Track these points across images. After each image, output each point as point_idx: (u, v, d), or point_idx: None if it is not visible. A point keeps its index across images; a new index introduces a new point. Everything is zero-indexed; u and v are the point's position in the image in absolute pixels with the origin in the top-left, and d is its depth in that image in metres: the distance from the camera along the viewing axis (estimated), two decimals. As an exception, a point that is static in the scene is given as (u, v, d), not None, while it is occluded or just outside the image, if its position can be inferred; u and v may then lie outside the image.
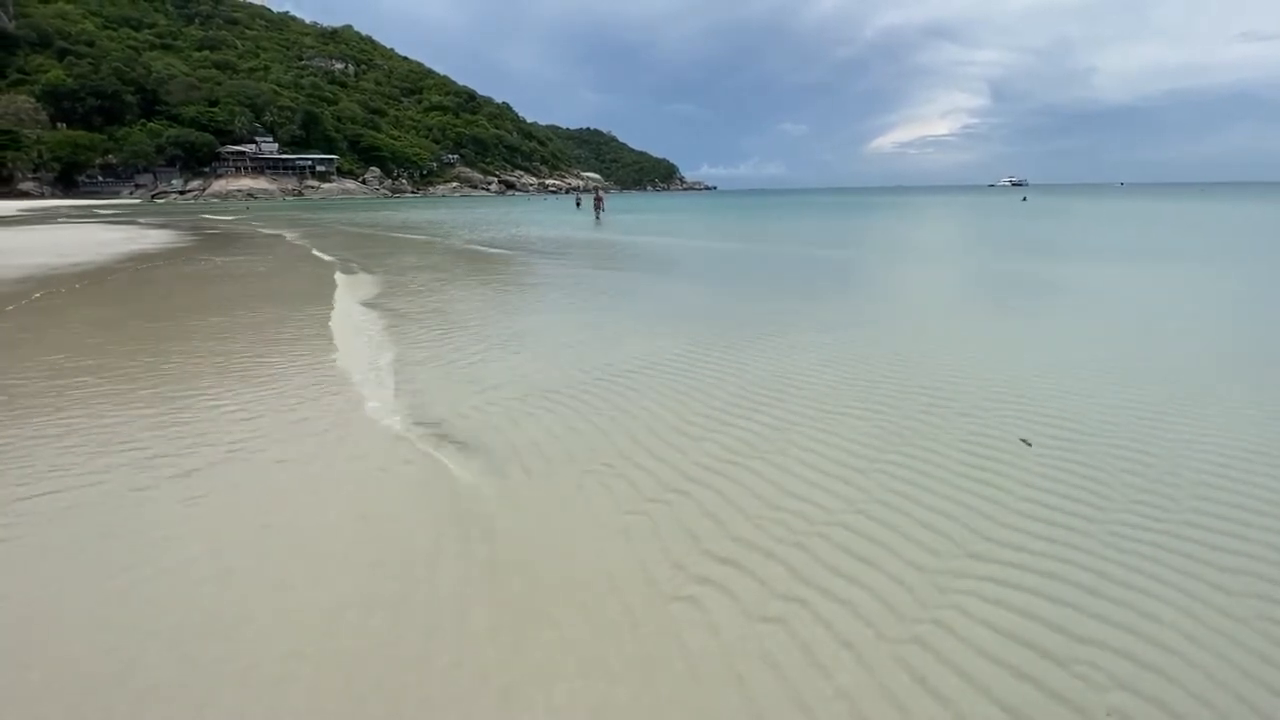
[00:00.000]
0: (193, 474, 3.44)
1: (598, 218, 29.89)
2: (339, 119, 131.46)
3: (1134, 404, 4.38)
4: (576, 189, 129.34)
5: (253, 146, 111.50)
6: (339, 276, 11.42)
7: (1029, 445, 3.72)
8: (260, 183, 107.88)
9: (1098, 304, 8.34)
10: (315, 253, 16.27)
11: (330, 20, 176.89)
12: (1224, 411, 4.23)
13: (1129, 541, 2.72)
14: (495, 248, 17.31)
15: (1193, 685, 1.96)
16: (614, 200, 64.37)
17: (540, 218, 34.69)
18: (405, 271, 12.28)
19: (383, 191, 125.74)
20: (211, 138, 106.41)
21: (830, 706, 1.91)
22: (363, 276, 11.44)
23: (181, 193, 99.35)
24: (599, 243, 18.91)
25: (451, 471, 3.49)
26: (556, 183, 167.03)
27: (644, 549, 2.73)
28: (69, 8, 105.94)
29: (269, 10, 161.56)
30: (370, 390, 4.83)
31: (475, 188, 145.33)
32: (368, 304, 8.51)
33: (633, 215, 35.52)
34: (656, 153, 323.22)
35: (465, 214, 42.77)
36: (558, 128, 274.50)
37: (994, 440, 3.78)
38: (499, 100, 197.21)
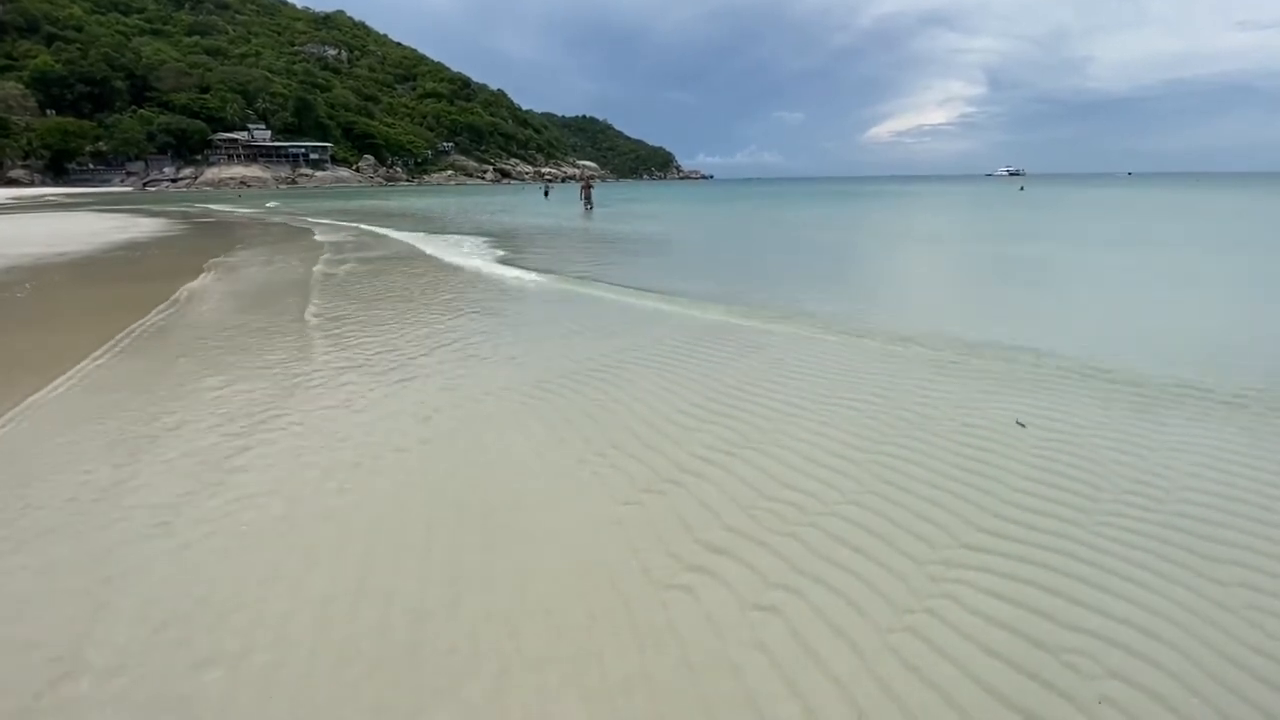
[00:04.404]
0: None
1: (588, 209, 28.82)
2: (332, 106, 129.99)
3: (1128, 395, 4.39)
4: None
5: (245, 134, 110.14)
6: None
7: (1023, 426, 3.78)
8: (253, 170, 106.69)
9: (1091, 292, 8.35)
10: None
11: (322, 5, 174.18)
12: (1215, 406, 4.25)
13: (1121, 532, 2.73)
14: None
15: (1183, 674, 1.97)
16: (607, 190, 63.39)
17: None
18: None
19: (377, 180, 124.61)
20: (203, 125, 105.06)
21: (824, 693, 1.92)
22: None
23: (174, 180, 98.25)
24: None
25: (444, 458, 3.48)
26: (552, 171, 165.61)
27: (639, 538, 2.73)
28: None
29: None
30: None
31: (471, 176, 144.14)
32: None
33: (622, 208, 34.83)
34: (653, 141, 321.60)
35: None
36: (553, 115, 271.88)
37: (988, 431, 3.79)
38: (494, 87, 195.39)
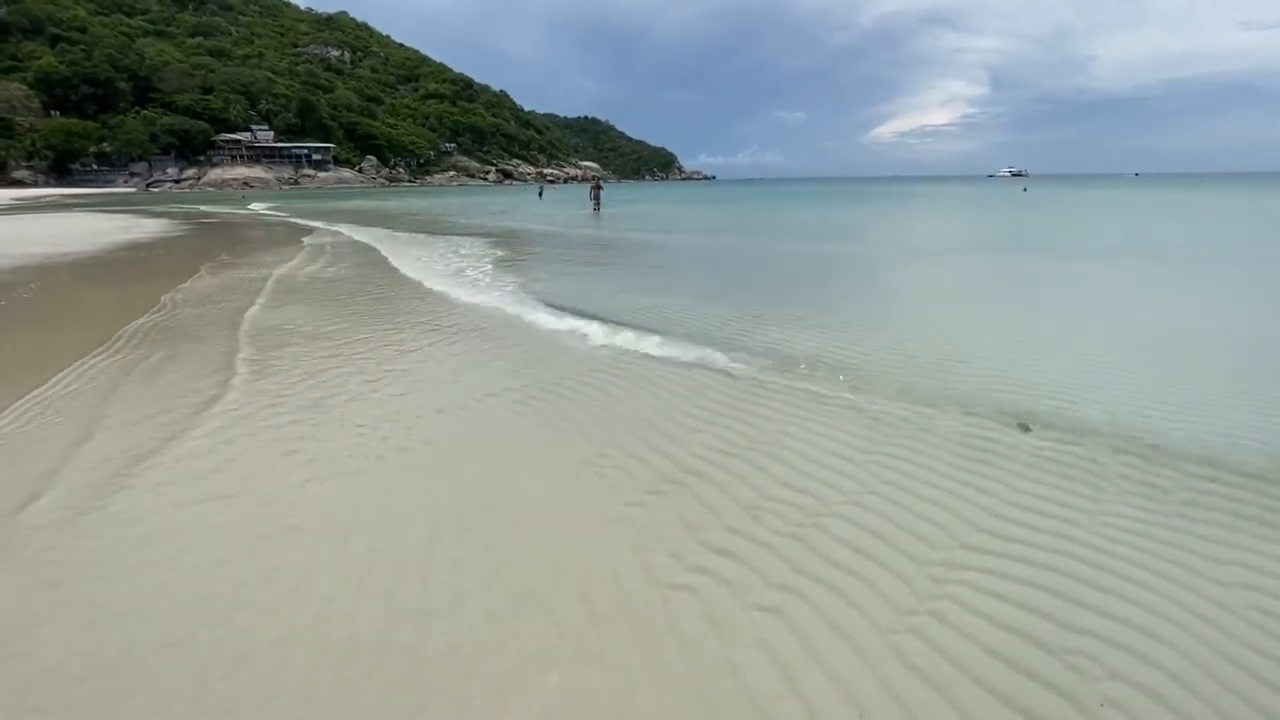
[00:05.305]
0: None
1: (596, 210, 29.06)
2: (335, 107, 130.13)
3: (1131, 394, 4.39)
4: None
5: (248, 135, 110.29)
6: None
7: (1029, 430, 3.77)
8: (256, 171, 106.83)
9: (1096, 296, 8.31)
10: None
11: (325, 6, 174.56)
12: (1219, 404, 4.24)
13: (1122, 533, 2.73)
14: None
15: (1186, 676, 1.97)
16: (610, 191, 63.02)
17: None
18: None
19: (380, 181, 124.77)
20: (206, 126, 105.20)
21: (826, 694, 1.92)
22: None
23: (177, 181, 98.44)
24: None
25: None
26: (554, 172, 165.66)
27: (641, 538, 2.74)
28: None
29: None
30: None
31: (473, 177, 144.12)
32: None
33: (626, 208, 34.78)
34: (654, 141, 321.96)
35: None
36: (555, 116, 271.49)
37: (989, 431, 3.78)
38: (496, 88, 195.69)
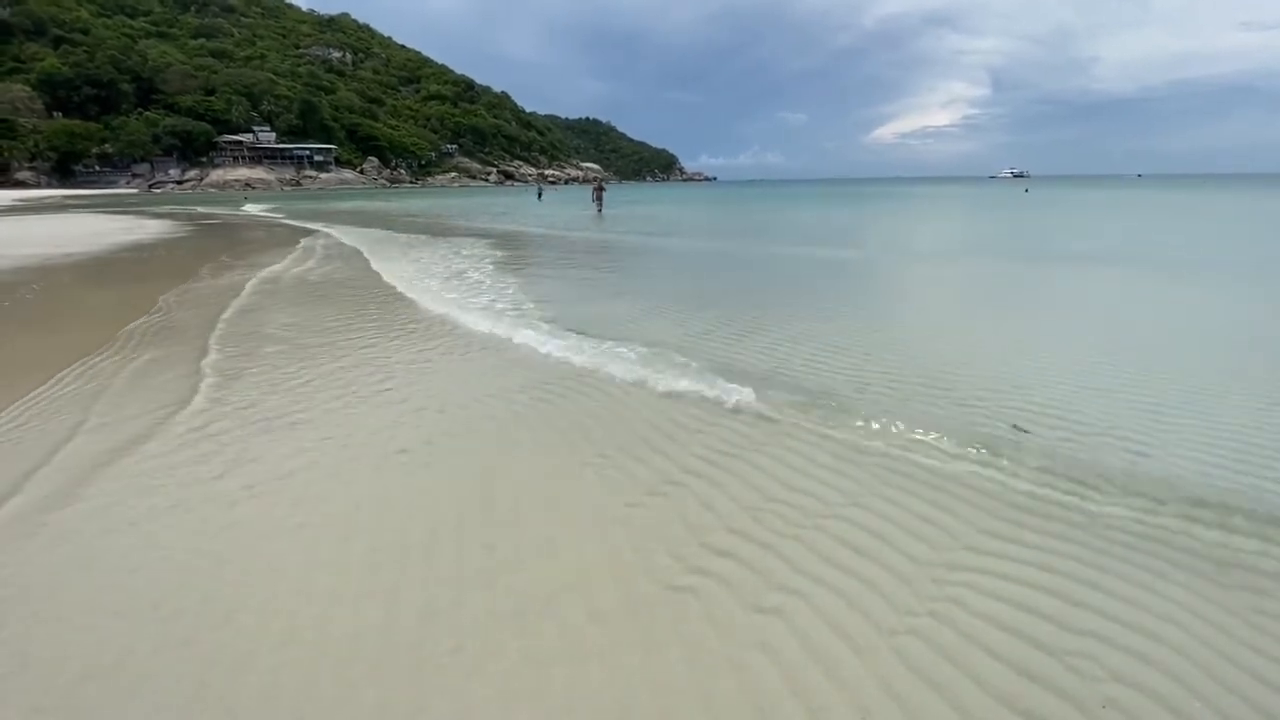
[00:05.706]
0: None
1: (599, 211, 29.34)
2: (337, 108, 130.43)
3: (1131, 397, 4.38)
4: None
5: (250, 136, 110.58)
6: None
7: (1025, 432, 3.76)
8: (258, 172, 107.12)
9: (1096, 297, 8.31)
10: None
11: (327, 8, 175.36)
12: (1222, 406, 4.23)
13: (1123, 534, 2.73)
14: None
15: (1187, 678, 1.97)
16: (612, 192, 62.95)
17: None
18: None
19: (381, 181, 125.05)
20: (208, 127, 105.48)
21: (828, 695, 1.92)
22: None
23: (179, 183, 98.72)
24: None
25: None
26: (555, 173, 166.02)
27: (642, 539, 2.74)
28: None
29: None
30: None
31: (474, 178, 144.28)
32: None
33: (628, 209, 34.66)
34: (655, 142, 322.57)
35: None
36: (556, 118, 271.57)
37: (990, 431, 3.78)
38: (497, 89, 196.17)
